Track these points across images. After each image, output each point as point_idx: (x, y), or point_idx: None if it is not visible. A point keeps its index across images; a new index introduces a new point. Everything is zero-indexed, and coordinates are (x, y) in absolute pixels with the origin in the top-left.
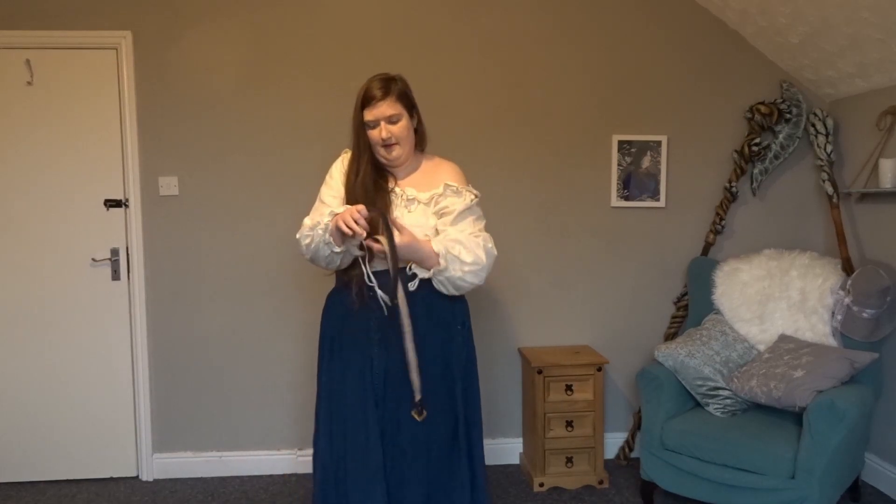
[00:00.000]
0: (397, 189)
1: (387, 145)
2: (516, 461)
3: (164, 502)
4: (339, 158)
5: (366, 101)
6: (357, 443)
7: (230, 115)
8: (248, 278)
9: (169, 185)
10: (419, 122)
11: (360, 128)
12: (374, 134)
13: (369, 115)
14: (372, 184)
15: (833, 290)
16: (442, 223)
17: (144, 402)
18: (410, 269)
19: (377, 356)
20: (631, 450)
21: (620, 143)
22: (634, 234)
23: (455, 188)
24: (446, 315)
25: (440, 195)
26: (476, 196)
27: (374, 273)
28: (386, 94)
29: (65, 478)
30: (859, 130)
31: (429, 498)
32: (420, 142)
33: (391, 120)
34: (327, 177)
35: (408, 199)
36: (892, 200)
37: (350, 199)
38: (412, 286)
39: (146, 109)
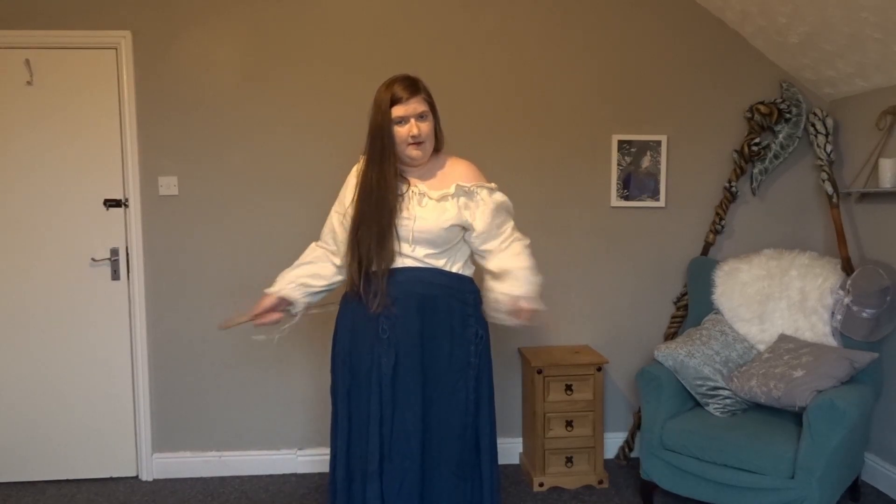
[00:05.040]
0: (411, 187)
1: (416, 143)
2: (516, 461)
3: (163, 502)
4: (355, 167)
5: (396, 98)
6: (359, 443)
7: (230, 115)
8: (247, 278)
9: (168, 185)
10: (437, 122)
11: (387, 128)
12: (402, 131)
13: (401, 110)
14: (395, 187)
15: (833, 290)
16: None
17: (144, 401)
18: None
19: (385, 355)
20: (631, 450)
21: (620, 142)
22: (634, 234)
23: (466, 188)
24: (456, 324)
25: (451, 195)
26: (491, 189)
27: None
28: (415, 91)
29: (65, 478)
30: (859, 130)
31: (434, 501)
32: (438, 143)
33: (421, 117)
34: (343, 187)
35: (420, 194)
36: (891, 200)
37: (367, 201)
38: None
39: (146, 109)
